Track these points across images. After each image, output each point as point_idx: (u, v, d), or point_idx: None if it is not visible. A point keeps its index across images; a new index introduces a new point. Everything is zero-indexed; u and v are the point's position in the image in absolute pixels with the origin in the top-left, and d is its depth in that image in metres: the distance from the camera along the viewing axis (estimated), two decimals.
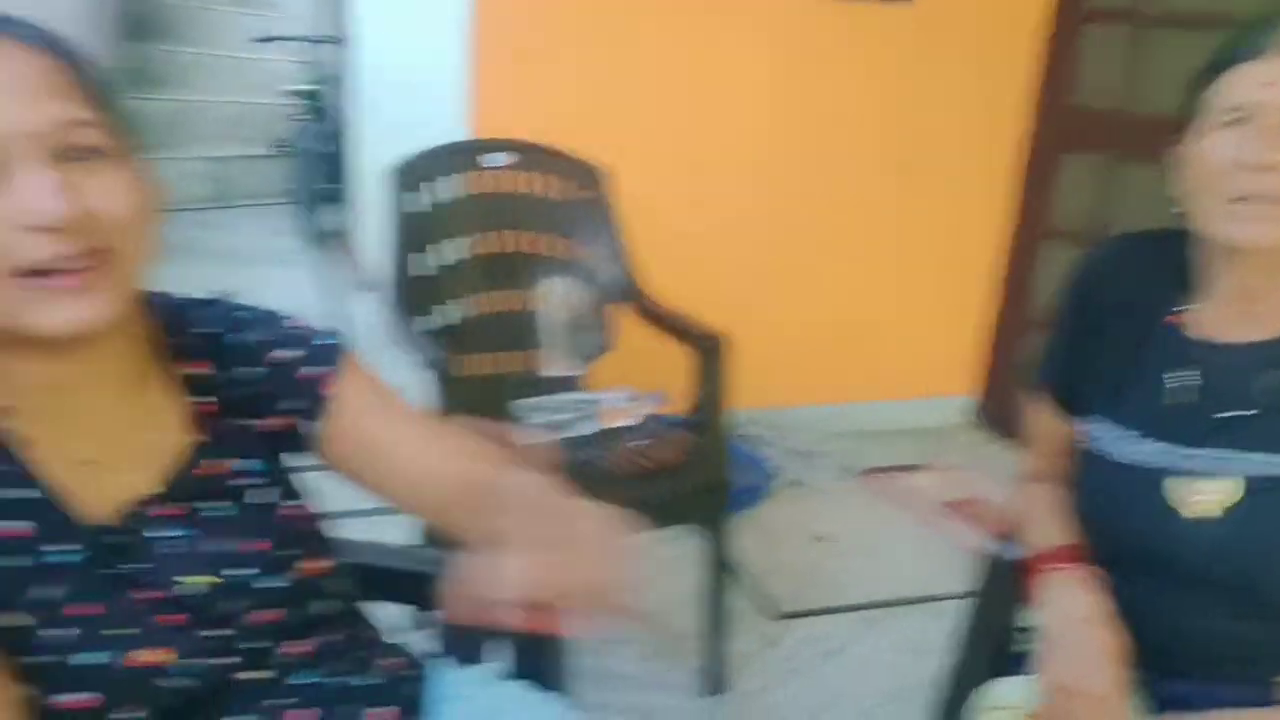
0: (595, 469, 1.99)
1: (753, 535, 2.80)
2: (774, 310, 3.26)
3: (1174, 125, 1.16)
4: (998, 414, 3.53)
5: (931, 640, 1.57)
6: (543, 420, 2.13)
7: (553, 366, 2.23)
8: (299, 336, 0.99)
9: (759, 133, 3.09)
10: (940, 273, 3.45)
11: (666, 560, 2.61)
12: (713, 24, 2.95)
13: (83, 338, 0.81)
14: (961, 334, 3.57)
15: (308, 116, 4.93)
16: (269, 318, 1.00)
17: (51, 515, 0.85)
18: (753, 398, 3.26)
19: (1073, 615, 1.18)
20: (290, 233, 4.99)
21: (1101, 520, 1.23)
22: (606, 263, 2.28)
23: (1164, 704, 1.15)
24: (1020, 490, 1.40)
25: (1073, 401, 1.31)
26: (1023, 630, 1.35)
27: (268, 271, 4.36)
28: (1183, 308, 1.19)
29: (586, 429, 2.13)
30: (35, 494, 0.84)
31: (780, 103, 3.08)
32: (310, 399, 0.96)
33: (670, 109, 2.98)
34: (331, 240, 4.51)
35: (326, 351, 0.98)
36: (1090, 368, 1.27)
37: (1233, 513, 1.11)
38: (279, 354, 0.97)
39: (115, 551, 0.87)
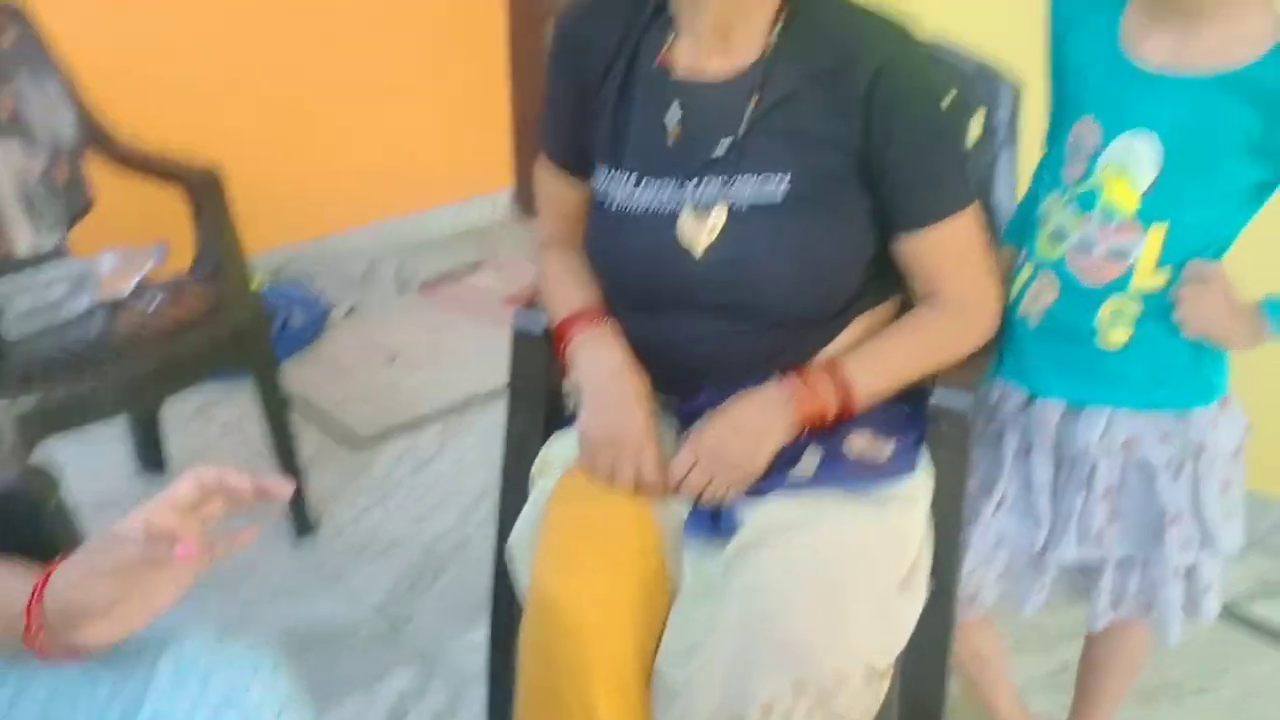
0: (106, 343, 1.77)
1: (320, 370, 2.70)
2: (296, 142, 3.03)
3: None
4: (532, 198, 3.56)
5: None
6: (32, 304, 1.85)
7: (24, 241, 1.92)
8: None
9: None
10: (455, 70, 3.35)
11: (229, 418, 2.46)
12: None
13: None
14: (492, 128, 3.54)
15: None
16: None
17: None
18: (292, 233, 3.09)
19: (600, 370, 1.22)
20: None
21: (619, 267, 1.27)
22: (56, 111, 1.96)
23: (688, 418, 1.23)
24: (538, 259, 1.41)
25: (576, 163, 1.32)
26: (568, 392, 1.40)
27: None
28: (667, 48, 1.21)
29: (85, 302, 1.88)
30: None
31: None
32: None
33: None
34: None
35: None
36: (587, 125, 1.28)
37: (717, 244, 1.18)
38: None
39: None
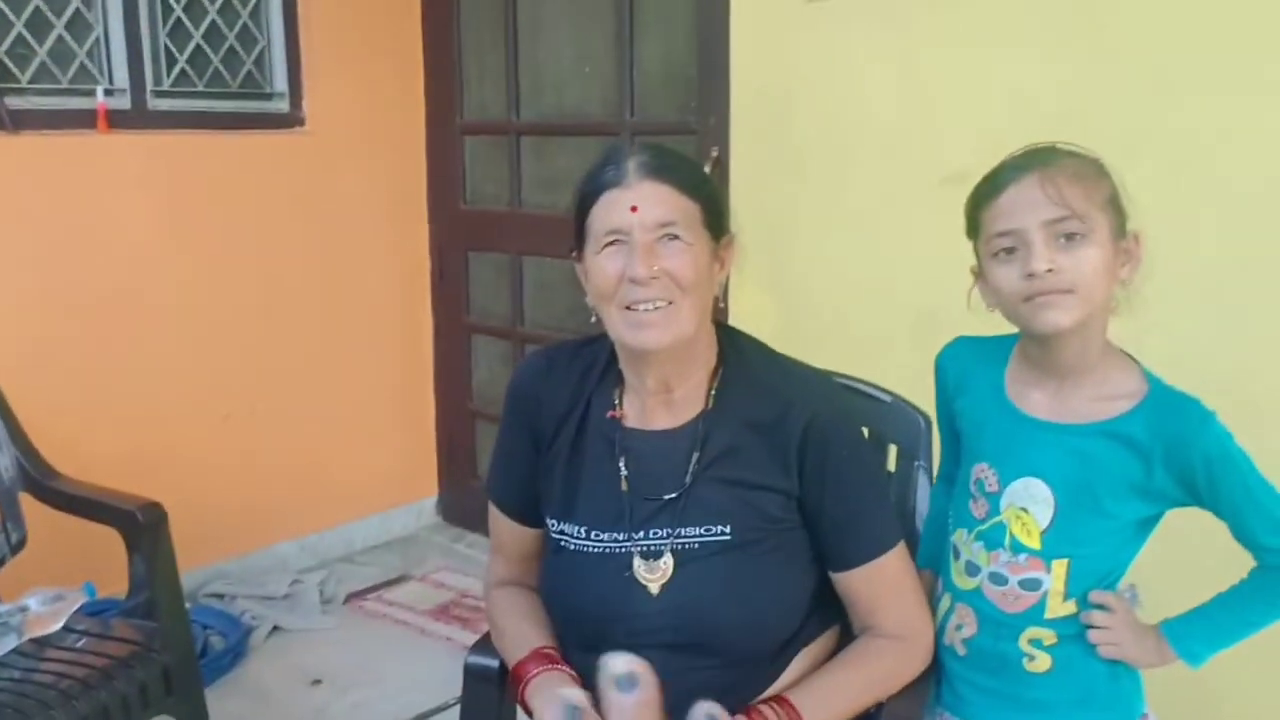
0: (28, 691, 1.71)
1: (242, 698, 2.59)
2: (218, 459, 3.05)
3: (570, 243, 1.30)
4: (458, 508, 3.63)
5: None
6: None
7: None
8: None
9: (163, 284, 2.89)
10: (381, 384, 3.47)
11: None
12: (89, 182, 2.73)
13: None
14: (415, 439, 3.62)
15: None
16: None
17: None
18: (214, 552, 3.05)
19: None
20: None
21: (578, 606, 1.31)
22: None
23: None
24: (490, 599, 1.44)
25: (526, 513, 1.39)
26: None
27: None
28: (616, 403, 1.32)
29: (8, 646, 1.83)
30: None
31: (183, 246, 2.91)
32: None
33: (46, 270, 2.68)
34: None
35: None
36: (537, 479, 1.36)
37: (669, 586, 1.25)
38: None
39: None
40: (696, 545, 1.25)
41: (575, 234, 1.28)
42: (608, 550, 1.28)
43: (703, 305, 1.25)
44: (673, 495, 1.27)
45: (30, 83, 2.66)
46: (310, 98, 3.16)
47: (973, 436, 1.30)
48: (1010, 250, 1.16)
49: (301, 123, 3.15)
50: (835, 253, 2.43)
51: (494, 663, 1.36)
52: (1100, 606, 1.22)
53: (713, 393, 1.29)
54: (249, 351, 3.10)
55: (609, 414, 1.32)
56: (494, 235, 3.37)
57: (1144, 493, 1.19)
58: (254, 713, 2.53)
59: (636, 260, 1.20)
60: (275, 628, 2.92)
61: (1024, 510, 1.23)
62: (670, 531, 1.26)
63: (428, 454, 3.66)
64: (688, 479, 1.27)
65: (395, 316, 3.48)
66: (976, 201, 1.21)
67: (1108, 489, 1.19)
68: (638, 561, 1.26)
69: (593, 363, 1.35)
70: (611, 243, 1.22)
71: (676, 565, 1.25)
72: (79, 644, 1.85)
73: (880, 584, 1.27)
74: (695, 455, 1.27)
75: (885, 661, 1.27)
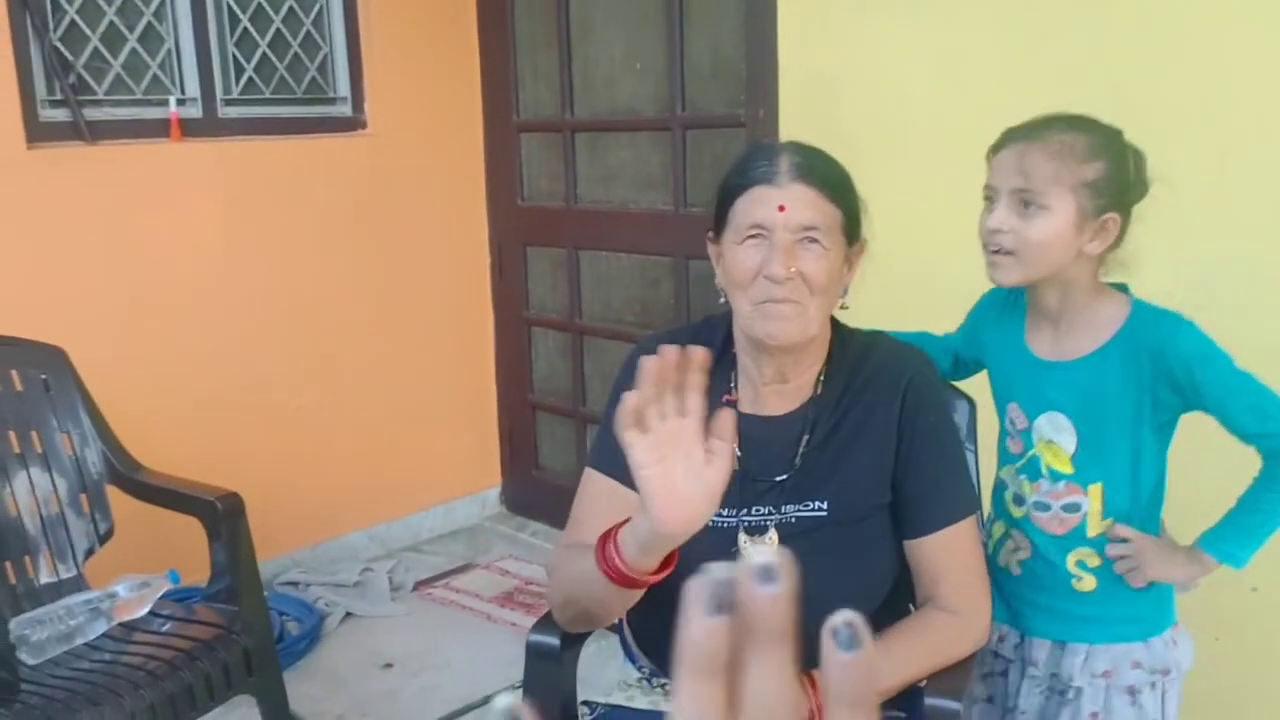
0: (118, 672, 1.81)
1: (317, 681, 2.69)
2: (290, 453, 3.17)
3: (711, 226, 1.35)
4: (521, 498, 3.72)
5: None
6: (50, 634, 1.91)
7: (46, 571, 2.00)
8: None
9: (234, 284, 3.01)
10: (444, 378, 3.56)
11: None
12: (163, 189, 2.85)
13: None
14: (479, 431, 3.71)
15: None
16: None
17: None
18: (288, 542, 3.17)
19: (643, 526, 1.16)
20: None
21: (683, 573, 1.35)
22: (85, 446, 2.10)
23: None
24: (556, 554, 1.44)
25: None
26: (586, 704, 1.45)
27: None
28: (732, 388, 1.38)
29: (101, 628, 1.94)
30: None
31: (253, 247, 3.03)
32: None
33: (124, 274, 2.80)
34: None
35: None
36: None
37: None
38: None
39: None
40: (794, 520, 1.32)
41: (715, 218, 1.33)
42: (714, 525, 1.32)
43: (829, 307, 1.32)
44: (782, 477, 1.33)
45: (106, 94, 2.79)
46: (372, 101, 3.25)
47: (1001, 380, 1.43)
48: (988, 200, 1.31)
49: (364, 125, 3.25)
50: (884, 239, 2.45)
51: (555, 640, 1.42)
52: (1122, 540, 1.33)
53: (821, 379, 1.36)
54: (317, 348, 3.21)
55: (724, 398, 1.37)
56: (551, 230, 3.44)
57: (1148, 403, 1.29)
58: (329, 694, 2.63)
59: (776, 259, 1.24)
60: (347, 614, 3.03)
61: (1051, 441, 1.34)
62: (774, 509, 1.33)
63: (491, 446, 3.75)
64: (797, 461, 1.33)
65: (457, 311, 3.56)
66: (989, 153, 1.34)
67: (1115, 409, 1.30)
68: (743, 537, 1.33)
69: (709, 348, 1.39)
70: (753, 236, 1.27)
71: (781, 540, 1.32)
72: (164, 628, 1.95)
73: (950, 554, 1.33)
74: (805, 439, 1.34)
75: (940, 634, 1.31)
